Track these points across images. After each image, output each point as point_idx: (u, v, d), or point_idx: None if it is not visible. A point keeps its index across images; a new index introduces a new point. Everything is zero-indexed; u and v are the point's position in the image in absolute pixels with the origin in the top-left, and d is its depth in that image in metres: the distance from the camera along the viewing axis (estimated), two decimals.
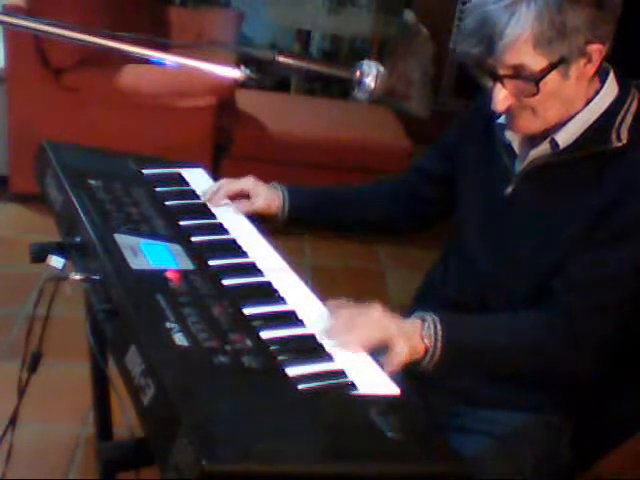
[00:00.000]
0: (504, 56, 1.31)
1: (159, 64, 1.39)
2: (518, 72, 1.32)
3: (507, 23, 1.28)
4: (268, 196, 1.65)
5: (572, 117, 1.40)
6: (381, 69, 1.41)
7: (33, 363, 1.40)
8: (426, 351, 1.31)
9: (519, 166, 1.48)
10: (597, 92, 1.40)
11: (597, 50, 1.32)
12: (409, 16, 5.03)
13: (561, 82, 1.34)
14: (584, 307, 1.36)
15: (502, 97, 1.36)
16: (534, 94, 1.34)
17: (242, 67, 1.40)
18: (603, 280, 1.37)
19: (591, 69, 1.35)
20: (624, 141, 1.37)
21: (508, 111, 1.40)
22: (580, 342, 1.37)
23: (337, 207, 1.75)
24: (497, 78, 1.35)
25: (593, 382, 1.51)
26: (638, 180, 1.34)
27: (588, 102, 1.40)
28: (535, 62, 1.31)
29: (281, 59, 1.39)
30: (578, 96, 1.39)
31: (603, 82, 1.41)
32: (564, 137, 1.40)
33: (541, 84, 1.32)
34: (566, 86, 1.35)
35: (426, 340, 1.31)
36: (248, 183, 1.66)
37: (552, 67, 1.31)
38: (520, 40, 1.29)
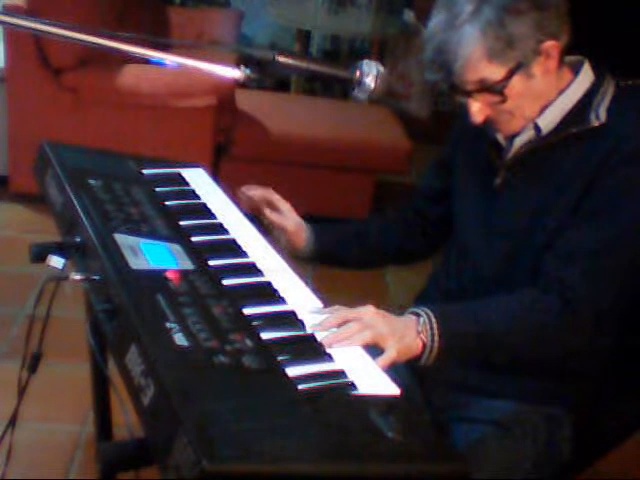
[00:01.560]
0: (464, 75, 1.39)
1: (159, 64, 1.39)
2: (482, 85, 1.39)
3: (457, 46, 1.36)
4: (298, 226, 1.67)
5: (550, 103, 1.45)
6: (381, 69, 1.42)
7: (33, 363, 1.39)
8: (424, 346, 1.32)
9: (506, 156, 1.51)
10: (572, 81, 1.46)
11: (552, 46, 1.38)
12: (409, 16, 5.04)
13: (527, 82, 1.41)
14: (576, 277, 1.38)
15: (476, 110, 1.44)
16: (503, 101, 1.41)
17: (242, 67, 1.40)
18: (591, 252, 1.39)
19: (553, 63, 1.41)
20: (602, 120, 1.42)
21: (488, 119, 1.46)
22: (576, 312, 1.38)
23: (359, 243, 1.76)
24: (466, 94, 1.42)
25: (596, 376, 1.52)
26: (615, 155, 1.38)
27: (562, 91, 1.45)
28: (494, 73, 1.38)
29: (281, 59, 1.39)
30: (550, 88, 1.45)
31: (577, 72, 1.47)
32: (546, 121, 1.46)
33: (506, 91, 1.40)
34: (534, 84, 1.41)
35: (422, 336, 1.32)
36: (285, 205, 1.68)
37: (512, 73, 1.38)
38: (473, 58, 1.36)
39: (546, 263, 1.42)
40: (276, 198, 1.68)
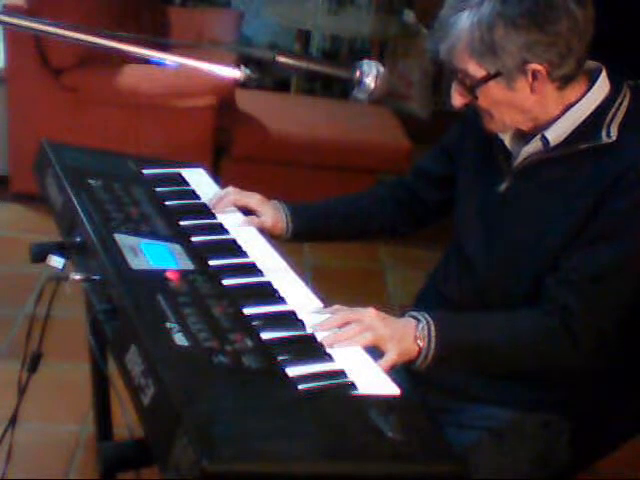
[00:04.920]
0: (447, 58, 1.38)
1: (159, 64, 1.39)
2: (463, 76, 1.38)
3: (450, 28, 1.36)
4: (274, 216, 1.64)
5: (560, 115, 1.41)
6: (381, 69, 1.42)
7: (33, 363, 1.40)
8: (420, 352, 1.32)
9: (513, 163, 1.49)
10: (585, 93, 1.41)
11: (539, 70, 1.34)
12: (409, 16, 5.03)
13: (507, 92, 1.38)
14: (579, 305, 1.37)
15: (455, 94, 1.43)
16: (475, 99, 1.40)
17: (242, 67, 1.40)
18: (595, 277, 1.37)
19: (542, 86, 1.37)
20: (614, 137, 1.37)
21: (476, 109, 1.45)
22: (578, 339, 1.37)
23: (339, 222, 1.75)
24: (451, 74, 1.41)
25: (593, 382, 1.51)
26: (626, 177, 1.34)
27: (571, 105, 1.41)
28: (474, 70, 1.37)
29: (281, 59, 1.39)
30: (544, 106, 1.40)
31: (593, 82, 1.42)
32: (554, 134, 1.42)
33: (480, 91, 1.38)
34: (516, 97, 1.38)
35: (420, 341, 1.31)
36: (254, 200, 1.65)
37: (488, 78, 1.36)
38: (457, 47, 1.36)
39: (549, 286, 1.40)
40: (244, 202, 1.64)
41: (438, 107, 5.12)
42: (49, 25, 1.33)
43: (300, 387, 1.10)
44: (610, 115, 1.39)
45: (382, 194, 1.79)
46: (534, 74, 1.35)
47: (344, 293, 1.86)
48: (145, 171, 1.70)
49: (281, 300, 1.32)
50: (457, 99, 1.43)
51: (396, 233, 1.83)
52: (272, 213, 1.64)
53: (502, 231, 1.49)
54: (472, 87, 1.38)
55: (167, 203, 1.57)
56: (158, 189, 1.62)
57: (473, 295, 1.54)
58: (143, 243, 1.38)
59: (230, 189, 1.66)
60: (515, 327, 1.40)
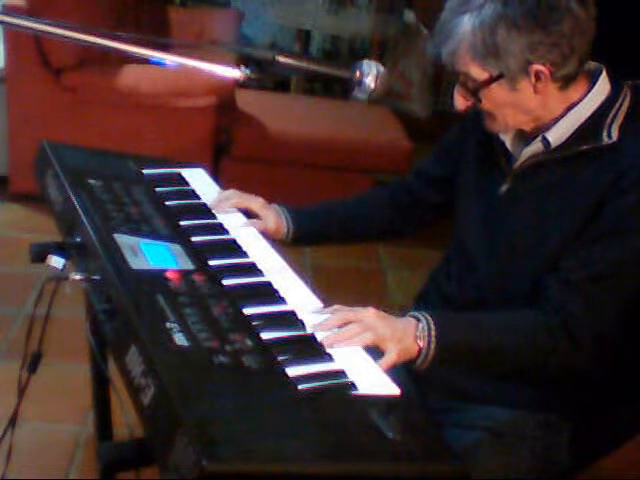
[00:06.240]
0: (449, 62, 1.38)
1: (159, 64, 1.39)
2: (466, 79, 1.39)
3: (451, 32, 1.36)
4: (276, 221, 1.65)
5: (562, 116, 1.41)
6: (381, 69, 1.42)
7: (33, 363, 1.40)
8: (420, 352, 1.32)
9: (514, 165, 1.49)
10: (586, 94, 1.41)
11: (542, 71, 1.34)
12: (409, 16, 5.03)
13: (511, 93, 1.38)
14: (579, 305, 1.37)
15: (457, 97, 1.43)
16: (479, 101, 1.40)
17: (242, 67, 1.40)
18: (595, 277, 1.37)
19: (545, 86, 1.37)
20: (614, 138, 1.38)
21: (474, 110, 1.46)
22: (577, 339, 1.37)
23: (339, 226, 1.75)
24: (455, 79, 1.41)
25: (593, 383, 1.51)
26: (626, 177, 1.35)
27: (573, 105, 1.41)
28: (477, 73, 1.37)
29: (281, 59, 1.39)
30: (547, 106, 1.41)
31: (594, 83, 1.42)
32: (555, 135, 1.42)
33: (483, 94, 1.39)
34: (520, 98, 1.39)
35: (420, 341, 1.31)
36: (257, 205, 1.65)
37: (491, 81, 1.36)
38: (459, 50, 1.36)
39: (549, 287, 1.40)
40: (246, 205, 1.64)
41: (438, 107, 5.13)
42: (49, 25, 1.33)
43: (300, 387, 1.10)
44: (611, 116, 1.40)
45: (382, 196, 1.79)
46: (537, 75, 1.35)
47: (344, 293, 1.86)
48: (145, 171, 1.70)
49: (281, 300, 1.32)
50: (460, 102, 1.43)
51: (396, 235, 1.84)
52: (274, 217, 1.65)
53: (503, 232, 1.50)
54: (475, 90, 1.39)
55: (167, 203, 1.57)
56: (158, 189, 1.62)
57: (474, 295, 1.54)
58: (143, 243, 1.38)
59: (232, 192, 1.66)
60: (515, 327, 1.40)
